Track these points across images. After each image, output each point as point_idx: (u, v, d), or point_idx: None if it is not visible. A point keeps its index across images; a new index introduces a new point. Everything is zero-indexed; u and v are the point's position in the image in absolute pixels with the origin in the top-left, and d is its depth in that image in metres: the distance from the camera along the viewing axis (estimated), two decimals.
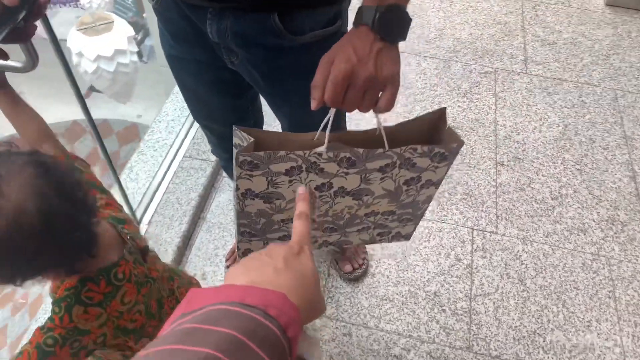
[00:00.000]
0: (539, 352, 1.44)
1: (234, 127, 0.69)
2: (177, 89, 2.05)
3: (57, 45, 1.07)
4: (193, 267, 1.58)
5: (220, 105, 1.07)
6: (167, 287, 0.91)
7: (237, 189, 0.76)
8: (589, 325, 1.50)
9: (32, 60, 0.78)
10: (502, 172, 1.86)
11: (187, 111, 1.95)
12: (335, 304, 1.52)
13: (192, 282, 1.03)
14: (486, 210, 1.75)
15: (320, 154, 0.71)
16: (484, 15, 2.47)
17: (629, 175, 1.87)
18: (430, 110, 0.76)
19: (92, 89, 4.93)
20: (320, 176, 0.75)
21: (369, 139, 0.75)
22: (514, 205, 1.76)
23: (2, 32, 0.70)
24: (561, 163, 1.89)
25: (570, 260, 1.63)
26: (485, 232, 1.69)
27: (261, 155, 0.70)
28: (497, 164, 1.88)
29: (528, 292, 1.56)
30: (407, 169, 0.77)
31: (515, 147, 1.94)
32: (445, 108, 0.74)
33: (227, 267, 1.56)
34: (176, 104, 2.01)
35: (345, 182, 0.77)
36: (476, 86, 2.14)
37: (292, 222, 0.80)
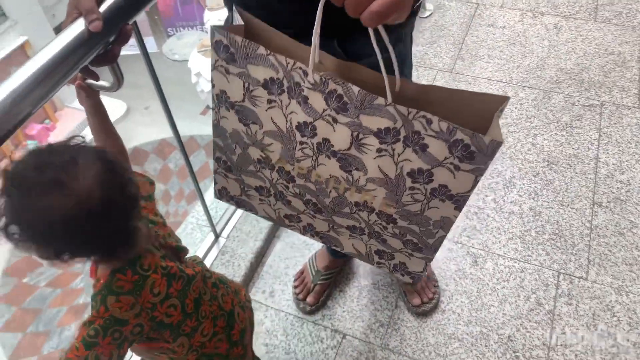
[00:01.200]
0: None
1: (234, 7, 0.64)
2: None
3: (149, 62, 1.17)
4: (263, 283, 1.62)
5: None
6: (209, 291, 0.94)
7: (212, 85, 0.68)
8: None
9: (118, 81, 0.86)
10: (599, 213, 1.69)
11: None
12: (399, 337, 1.47)
13: (239, 292, 1.05)
14: (577, 254, 1.60)
15: (305, 73, 0.60)
16: (595, 45, 2.29)
17: None
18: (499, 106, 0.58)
19: (208, 107, 5.31)
20: (303, 109, 0.63)
21: (368, 84, 0.61)
22: (610, 251, 1.60)
23: (90, 56, 0.78)
24: None
25: None
26: (573, 277, 1.55)
27: (238, 42, 0.61)
28: (595, 204, 1.72)
29: (618, 348, 1.39)
30: (415, 151, 0.60)
31: (618, 188, 1.76)
32: (508, 97, 0.59)
33: (295, 287, 1.57)
34: None
35: (333, 133, 0.63)
36: (578, 119, 1.99)
37: (272, 169, 0.74)
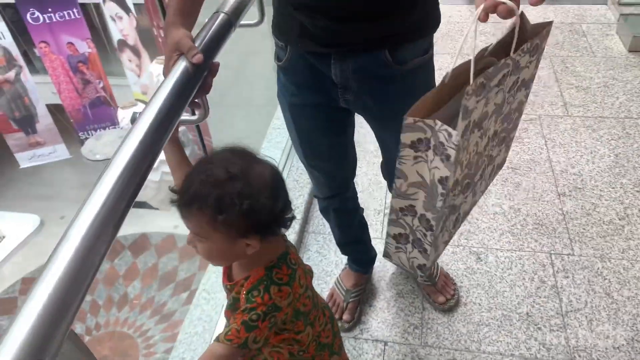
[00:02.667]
0: (638, 358, 1.47)
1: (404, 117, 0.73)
2: None
3: None
4: None
5: (328, 144, 1.27)
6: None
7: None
8: None
9: (205, 112, 0.99)
10: (566, 201, 1.97)
11: None
12: (435, 334, 1.60)
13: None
14: (559, 236, 1.84)
15: (450, 134, 0.70)
16: None
17: None
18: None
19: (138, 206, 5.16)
20: (480, 127, 0.77)
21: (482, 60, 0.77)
22: (584, 229, 1.86)
23: (196, 88, 0.92)
24: (620, 187, 1.99)
25: None
26: (562, 255, 1.78)
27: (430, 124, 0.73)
28: (560, 195, 2.00)
29: (617, 304, 1.61)
30: (514, 74, 0.77)
31: (574, 179, 2.06)
32: (522, 13, 0.74)
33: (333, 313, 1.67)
34: None
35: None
36: (525, 132, 2.31)
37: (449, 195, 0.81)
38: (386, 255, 0.95)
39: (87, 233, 0.63)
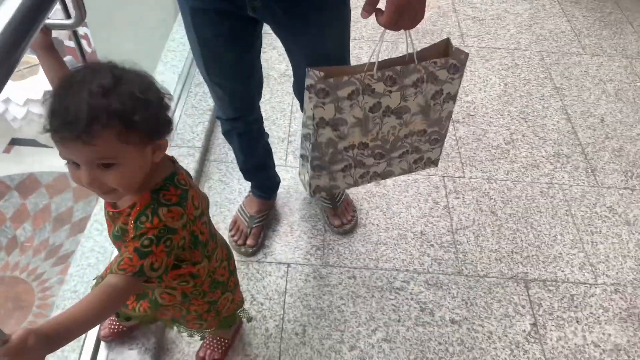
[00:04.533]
0: (518, 267, 1.63)
1: (307, 69, 0.90)
2: None
3: None
4: None
5: (234, 59, 1.19)
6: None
7: (312, 118, 0.95)
8: (554, 239, 1.70)
9: (81, 15, 0.87)
10: (459, 128, 2.07)
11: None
12: (335, 254, 1.65)
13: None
14: (452, 160, 1.94)
15: (372, 75, 0.92)
16: None
17: (565, 118, 2.13)
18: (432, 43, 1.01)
19: (16, 142, 4.70)
20: (372, 97, 0.95)
21: (400, 63, 0.97)
22: (474, 154, 1.97)
23: None
24: (507, 114, 2.12)
25: (530, 190, 1.85)
26: (454, 178, 1.88)
27: (331, 82, 0.91)
28: (454, 122, 2.09)
29: (500, 220, 1.75)
30: (432, 83, 0.98)
31: (467, 107, 2.16)
32: (448, 38, 1.01)
33: (232, 235, 1.65)
34: None
35: (390, 100, 0.97)
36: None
37: (353, 149, 1.03)
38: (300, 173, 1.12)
39: None
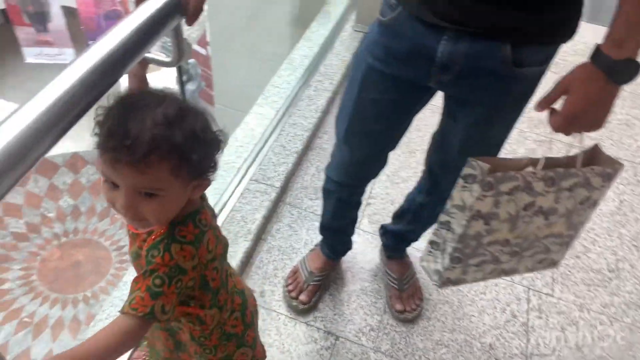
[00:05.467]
0: None
1: (469, 159, 0.87)
2: (248, 118, 2.13)
3: None
4: (252, 283, 1.57)
5: (385, 124, 1.13)
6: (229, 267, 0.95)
7: (469, 210, 0.92)
8: None
9: (179, 56, 0.85)
10: None
11: (255, 139, 2.00)
12: (390, 341, 1.48)
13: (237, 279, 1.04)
14: (541, 272, 1.73)
15: (535, 173, 0.90)
16: None
17: None
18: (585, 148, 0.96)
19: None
20: (529, 195, 0.91)
21: (562, 165, 0.94)
22: (570, 272, 1.75)
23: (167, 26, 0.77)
24: (617, 237, 1.89)
25: (629, 334, 1.59)
26: (541, 293, 1.67)
27: (499, 176, 0.88)
28: None
29: None
30: (585, 188, 0.95)
31: None
32: (597, 144, 0.96)
33: (288, 284, 1.54)
34: (246, 132, 2.06)
35: (544, 200, 0.94)
36: (532, 154, 2.18)
37: (495, 244, 0.98)
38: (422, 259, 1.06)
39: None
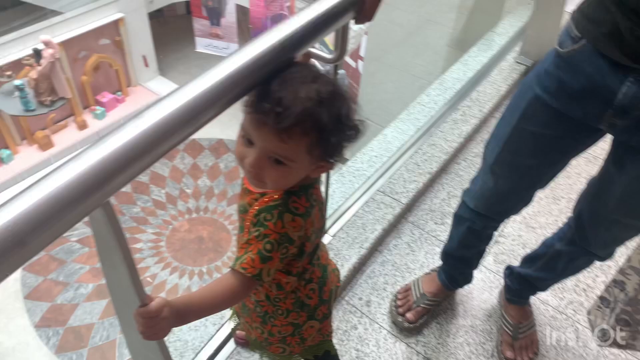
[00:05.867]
0: None
1: None
2: (387, 131, 2.17)
3: None
4: (360, 291, 1.60)
5: (540, 160, 1.10)
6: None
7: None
8: None
9: (340, 54, 0.90)
10: None
11: (391, 152, 2.04)
12: None
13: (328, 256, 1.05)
14: None
15: None
16: None
17: None
18: None
19: None
20: None
21: None
22: None
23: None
24: None
25: None
26: None
27: None
28: None
29: None
30: None
31: None
32: None
33: (398, 299, 1.54)
34: (382, 144, 2.11)
35: None
36: None
37: None
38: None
39: None
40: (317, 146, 0.72)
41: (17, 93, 4.39)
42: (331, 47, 0.97)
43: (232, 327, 1.31)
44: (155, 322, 0.68)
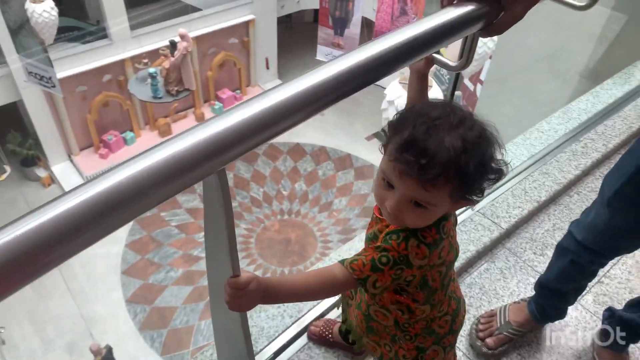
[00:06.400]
0: None
1: None
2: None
3: None
4: None
5: None
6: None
7: None
8: None
9: (465, 62, 0.92)
10: None
11: None
12: None
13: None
14: None
15: None
16: None
17: None
18: None
19: (375, 135, 5.61)
20: None
21: None
22: None
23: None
24: None
25: None
26: None
27: None
28: None
29: None
30: None
31: None
32: None
33: (480, 323, 1.52)
34: None
35: None
36: None
37: None
38: None
39: None
40: (459, 192, 0.75)
41: (149, 80, 4.87)
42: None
43: (354, 346, 1.30)
44: (242, 293, 0.74)
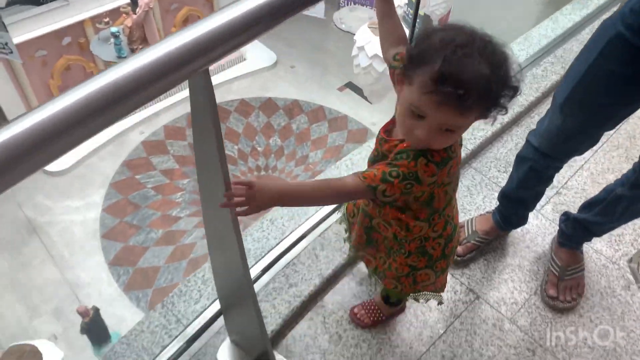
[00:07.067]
0: None
1: None
2: None
3: None
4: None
5: (613, 100, 1.18)
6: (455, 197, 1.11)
7: None
8: None
9: None
10: None
11: None
12: (530, 320, 1.57)
13: None
14: None
15: None
16: None
17: None
18: None
19: (348, 85, 5.72)
20: None
21: None
22: None
23: None
24: None
25: None
26: None
27: None
28: None
29: None
30: None
31: None
32: None
33: None
34: None
35: None
36: None
37: None
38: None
39: None
40: (486, 112, 0.84)
41: (112, 40, 4.89)
42: None
43: (347, 258, 1.54)
44: (252, 193, 0.83)
